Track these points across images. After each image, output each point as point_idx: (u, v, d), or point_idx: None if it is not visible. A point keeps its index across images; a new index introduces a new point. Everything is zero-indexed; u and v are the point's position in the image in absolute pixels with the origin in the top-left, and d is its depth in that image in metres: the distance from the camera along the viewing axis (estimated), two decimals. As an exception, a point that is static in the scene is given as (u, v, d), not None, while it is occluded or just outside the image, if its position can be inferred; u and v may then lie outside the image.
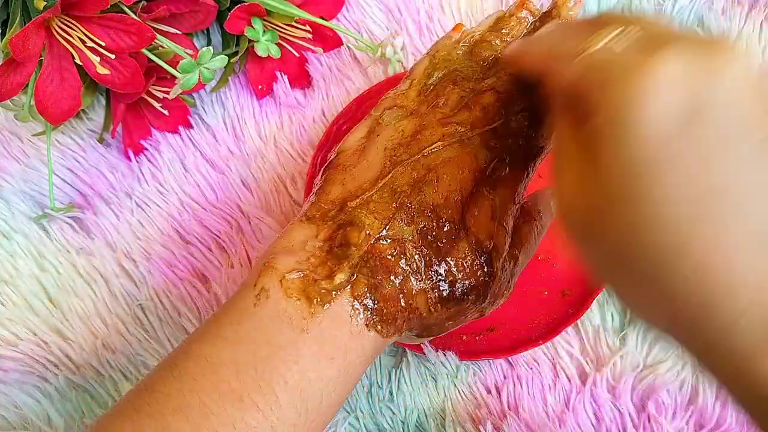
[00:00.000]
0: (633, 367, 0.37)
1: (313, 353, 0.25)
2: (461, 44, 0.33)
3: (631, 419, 0.36)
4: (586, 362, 0.38)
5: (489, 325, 0.39)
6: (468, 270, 0.27)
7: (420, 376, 0.38)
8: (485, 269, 0.28)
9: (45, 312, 0.40)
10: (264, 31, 0.42)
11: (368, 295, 0.26)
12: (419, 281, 0.27)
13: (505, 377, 0.38)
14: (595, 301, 0.37)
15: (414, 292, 0.27)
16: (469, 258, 0.27)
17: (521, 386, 0.38)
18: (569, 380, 0.38)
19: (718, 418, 0.36)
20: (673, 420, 0.36)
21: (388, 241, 0.27)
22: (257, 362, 0.24)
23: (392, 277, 0.26)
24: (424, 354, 0.37)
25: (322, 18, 0.44)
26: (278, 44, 0.43)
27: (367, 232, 0.26)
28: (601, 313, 0.39)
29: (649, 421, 0.36)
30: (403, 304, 0.27)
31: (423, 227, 0.27)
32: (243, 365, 0.24)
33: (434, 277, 0.27)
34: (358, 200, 0.27)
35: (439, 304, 0.27)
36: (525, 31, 0.34)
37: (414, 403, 0.38)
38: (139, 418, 0.24)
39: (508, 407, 0.37)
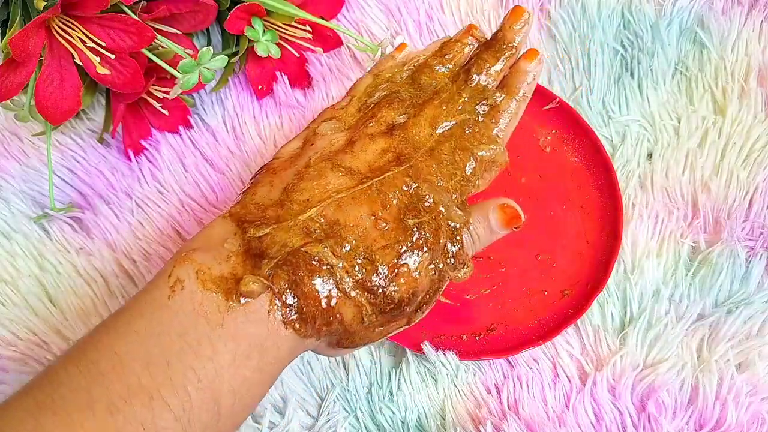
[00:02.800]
0: (633, 367, 0.37)
1: (229, 350, 0.24)
2: (405, 67, 0.34)
3: (631, 419, 0.36)
4: (586, 362, 0.38)
5: (489, 325, 0.39)
6: (405, 278, 0.27)
7: (420, 376, 0.38)
8: (419, 276, 0.28)
9: (45, 312, 0.40)
10: (264, 31, 0.42)
11: (288, 291, 0.25)
12: (349, 288, 0.26)
13: (505, 377, 0.38)
14: (595, 301, 0.37)
15: (340, 295, 0.26)
16: (404, 267, 0.27)
17: (521, 386, 0.37)
18: (569, 380, 0.38)
19: (718, 418, 0.36)
20: (673, 420, 0.36)
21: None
22: (170, 357, 0.23)
23: (316, 277, 0.26)
24: (424, 354, 0.37)
25: (322, 18, 0.44)
26: (278, 44, 0.43)
27: (286, 244, 0.26)
28: (601, 313, 0.39)
29: (649, 421, 0.36)
30: (324, 305, 0.26)
31: (349, 249, 0.27)
32: (154, 360, 0.23)
33: (370, 287, 0.27)
34: (277, 225, 0.27)
35: (375, 314, 0.27)
36: (468, 57, 0.34)
37: (414, 403, 0.38)
38: (42, 414, 0.22)
39: (508, 407, 0.37)
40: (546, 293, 0.39)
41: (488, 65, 0.32)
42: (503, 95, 0.32)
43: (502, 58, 0.33)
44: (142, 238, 0.42)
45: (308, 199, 0.28)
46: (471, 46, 0.34)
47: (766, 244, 0.39)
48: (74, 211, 0.43)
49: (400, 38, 0.45)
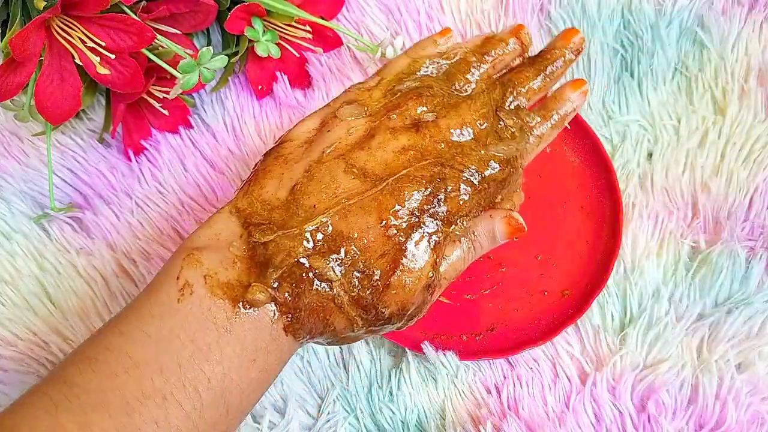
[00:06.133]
0: (633, 367, 0.37)
1: (237, 354, 0.25)
2: (443, 59, 0.32)
3: (631, 419, 0.36)
4: (586, 362, 0.38)
5: (489, 325, 0.39)
6: (397, 291, 0.27)
7: (420, 376, 0.38)
8: (415, 293, 0.28)
9: (45, 312, 0.40)
10: (264, 31, 0.42)
11: (290, 301, 0.26)
12: (343, 304, 0.27)
13: (505, 377, 0.38)
14: (595, 301, 0.37)
15: (335, 308, 0.27)
16: (400, 276, 0.27)
17: (521, 386, 0.38)
18: (569, 380, 0.38)
19: (718, 418, 0.36)
20: (673, 420, 0.36)
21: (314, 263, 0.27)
22: (181, 360, 0.24)
23: (315, 291, 0.26)
24: (424, 354, 0.37)
25: (322, 18, 0.44)
26: (278, 44, 0.43)
27: (291, 254, 0.26)
28: (601, 313, 0.39)
29: (649, 421, 0.36)
30: (320, 316, 0.27)
31: (348, 264, 0.27)
32: (166, 363, 0.24)
33: (363, 304, 0.27)
34: (282, 232, 0.27)
35: (364, 327, 0.27)
36: (511, 64, 0.33)
37: (414, 403, 0.38)
38: (57, 413, 0.23)
39: (508, 407, 0.37)
40: (546, 293, 0.39)
41: (529, 82, 0.32)
42: (538, 118, 0.31)
43: (544, 76, 0.32)
44: (142, 238, 0.42)
45: (315, 206, 0.27)
46: (514, 50, 0.33)
47: (766, 244, 0.39)
48: (74, 211, 0.43)
49: (400, 38, 0.45)
